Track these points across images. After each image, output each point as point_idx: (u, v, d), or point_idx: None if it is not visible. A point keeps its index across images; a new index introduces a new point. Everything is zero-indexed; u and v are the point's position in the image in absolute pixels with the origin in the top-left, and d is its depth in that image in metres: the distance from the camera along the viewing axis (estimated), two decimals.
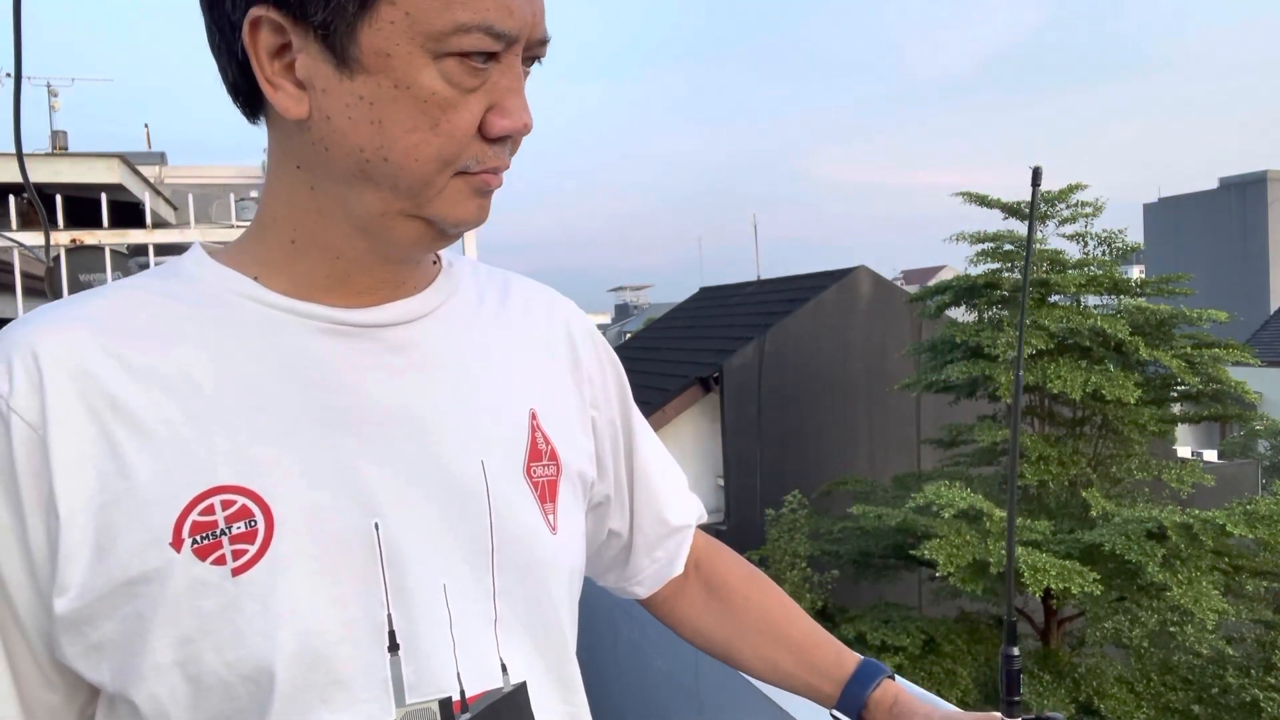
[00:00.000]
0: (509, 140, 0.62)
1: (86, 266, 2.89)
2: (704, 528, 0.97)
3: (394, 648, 0.59)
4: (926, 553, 6.53)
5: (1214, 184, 30.53)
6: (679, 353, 12.91)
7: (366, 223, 0.62)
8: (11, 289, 2.95)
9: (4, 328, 0.61)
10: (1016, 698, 0.89)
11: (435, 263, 0.73)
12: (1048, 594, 6.89)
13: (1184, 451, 12.61)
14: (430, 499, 0.63)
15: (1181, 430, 12.87)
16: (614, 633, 2.40)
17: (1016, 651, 0.91)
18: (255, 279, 0.63)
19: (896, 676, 0.89)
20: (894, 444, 10.92)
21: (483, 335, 0.72)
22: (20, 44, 1.31)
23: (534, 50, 0.62)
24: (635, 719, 2.31)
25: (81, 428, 0.56)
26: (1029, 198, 0.79)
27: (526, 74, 0.63)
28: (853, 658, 0.88)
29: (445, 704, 0.60)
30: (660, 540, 0.90)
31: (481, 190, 0.62)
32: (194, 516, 0.56)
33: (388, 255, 0.64)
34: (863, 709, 0.84)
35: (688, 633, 0.94)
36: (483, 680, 0.62)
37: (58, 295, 2.78)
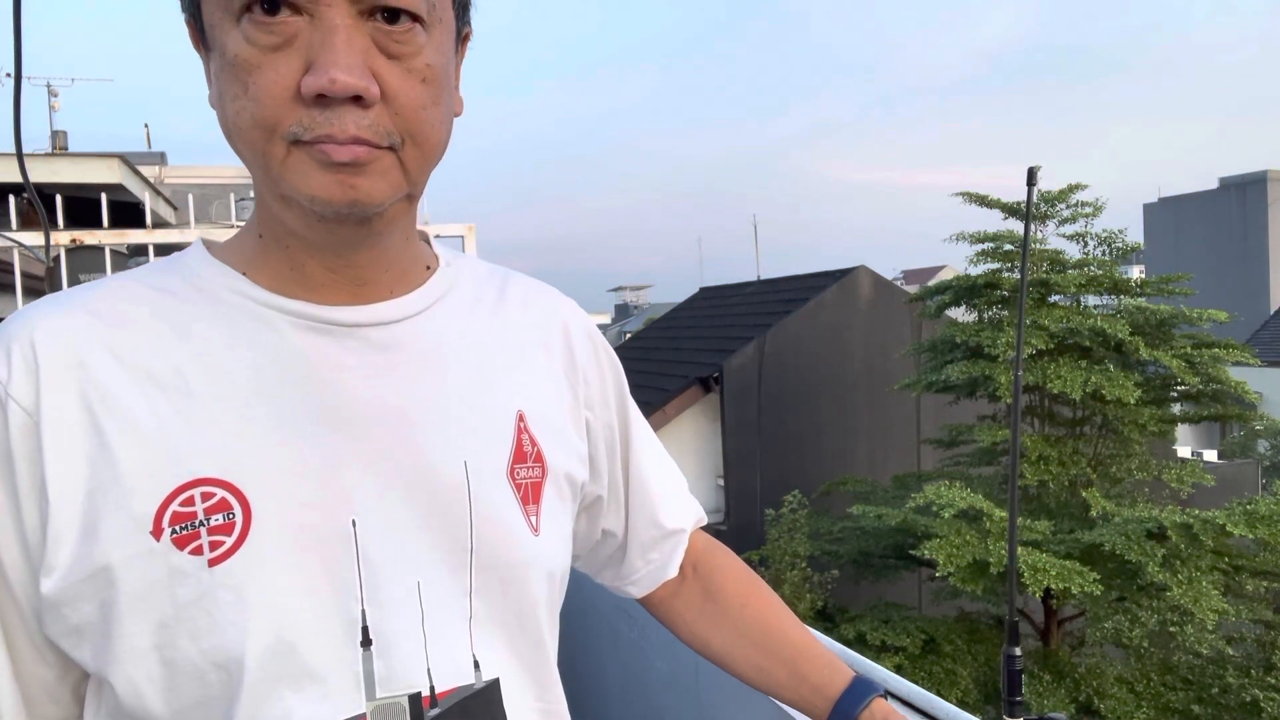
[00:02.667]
0: (347, 104, 0.56)
1: (86, 266, 2.89)
2: (704, 528, 0.97)
3: (366, 643, 0.60)
4: (926, 553, 6.52)
5: (1214, 184, 30.51)
6: (679, 353, 12.91)
7: (271, 206, 0.62)
8: (11, 289, 2.95)
9: (5, 318, 0.62)
10: (1018, 698, 0.89)
11: (430, 267, 0.73)
12: (1048, 594, 6.89)
13: (1184, 451, 12.60)
14: (410, 498, 0.63)
15: (1181, 430, 12.87)
16: (614, 633, 2.40)
17: (1019, 652, 0.91)
18: (244, 275, 0.64)
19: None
20: (894, 444, 10.91)
21: (473, 335, 0.72)
22: (20, 44, 1.31)
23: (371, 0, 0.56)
24: (634, 719, 2.31)
25: (73, 416, 0.58)
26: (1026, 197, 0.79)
27: (396, 32, 0.57)
28: (845, 674, 0.87)
29: (415, 699, 0.61)
30: (655, 543, 0.90)
31: (324, 162, 0.56)
32: (174, 507, 0.57)
33: (310, 242, 0.63)
34: None
35: (684, 635, 0.94)
36: (454, 676, 0.63)
37: None
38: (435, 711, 0.62)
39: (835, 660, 0.89)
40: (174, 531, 0.57)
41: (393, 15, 0.57)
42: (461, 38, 0.66)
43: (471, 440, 0.67)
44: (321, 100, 0.55)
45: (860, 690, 0.85)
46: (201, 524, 0.57)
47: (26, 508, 0.57)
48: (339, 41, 0.55)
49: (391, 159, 0.59)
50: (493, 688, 0.65)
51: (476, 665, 0.65)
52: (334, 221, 0.60)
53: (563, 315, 0.81)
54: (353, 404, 0.63)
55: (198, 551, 0.57)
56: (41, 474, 0.56)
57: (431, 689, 0.62)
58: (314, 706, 0.58)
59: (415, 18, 0.58)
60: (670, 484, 0.92)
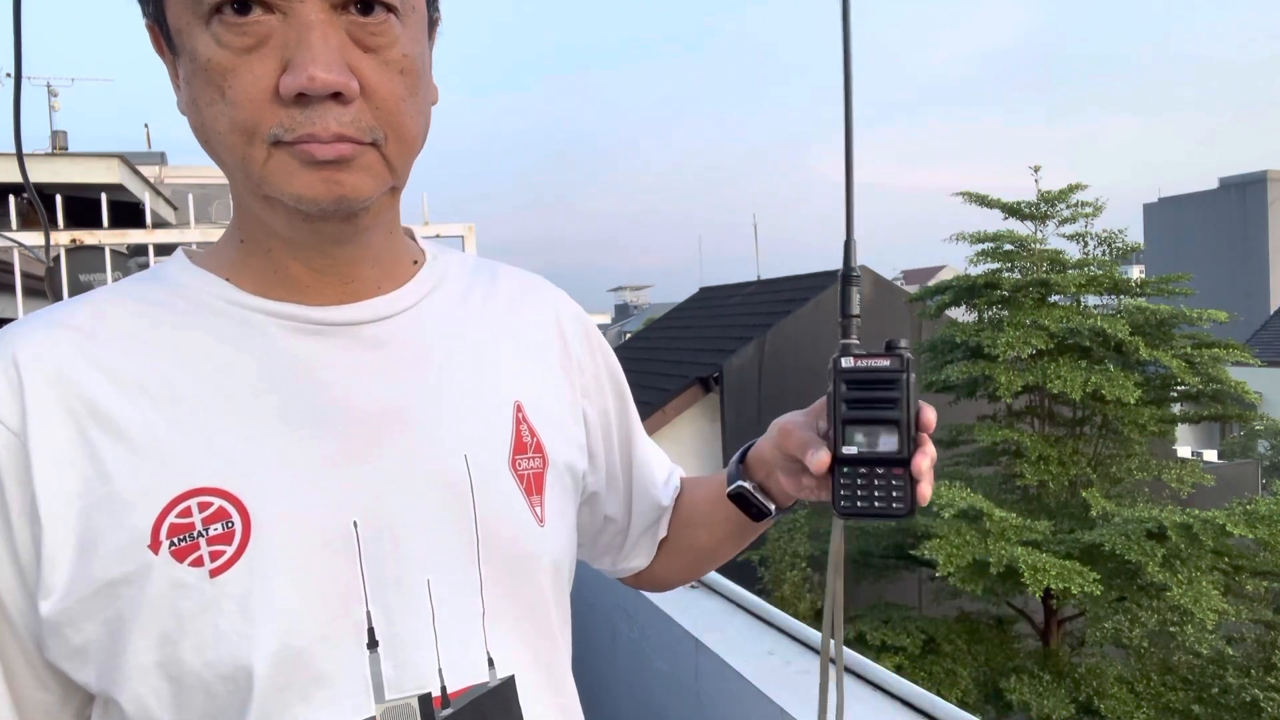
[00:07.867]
0: (328, 102, 0.55)
1: (86, 266, 2.89)
2: None
3: (373, 645, 0.59)
4: (926, 553, 6.52)
5: (1214, 184, 30.50)
6: (679, 353, 12.90)
7: (252, 208, 0.61)
8: (11, 289, 2.94)
9: None
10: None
11: (416, 261, 0.72)
12: (1048, 594, 6.89)
13: (1184, 451, 12.60)
14: (412, 495, 0.63)
15: (1181, 430, 12.86)
16: (614, 633, 2.40)
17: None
18: (228, 281, 0.64)
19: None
20: None
21: (466, 329, 0.71)
22: (20, 44, 1.31)
23: None
24: (634, 719, 2.31)
25: (62, 432, 0.56)
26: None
27: (371, 24, 0.56)
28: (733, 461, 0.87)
29: (425, 700, 0.60)
30: (654, 522, 0.91)
31: (308, 161, 0.55)
32: (171, 519, 0.56)
33: (294, 242, 0.62)
34: (744, 471, 0.83)
35: (659, 581, 0.96)
36: (468, 675, 0.62)
37: (58, 295, 2.78)
38: (448, 712, 0.61)
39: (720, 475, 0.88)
40: (172, 544, 0.56)
41: (366, 7, 0.56)
42: (432, 24, 0.65)
43: (470, 433, 0.67)
44: (301, 99, 0.54)
45: (739, 455, 0.85)
46: (200, 535, 0.56)
47: (18, 529, 0.56)
48: (315, 38, 0.54)
49: (375, 154, 0.58)
50: (507, 685, 0.64)
51: (491, 663, 0.64)
52: (319, 219, 0.59)
53: (553, 305, 0.80)
54: (347, 404, 0.62)
55: (198, 563, 0.56)
56: (32, 494, 0.55)
57: (443, 689, 0.61)
58: (323, 711, 0.57)
59: (389, 8, 0.57)
60: (662, 464, 0.93)
